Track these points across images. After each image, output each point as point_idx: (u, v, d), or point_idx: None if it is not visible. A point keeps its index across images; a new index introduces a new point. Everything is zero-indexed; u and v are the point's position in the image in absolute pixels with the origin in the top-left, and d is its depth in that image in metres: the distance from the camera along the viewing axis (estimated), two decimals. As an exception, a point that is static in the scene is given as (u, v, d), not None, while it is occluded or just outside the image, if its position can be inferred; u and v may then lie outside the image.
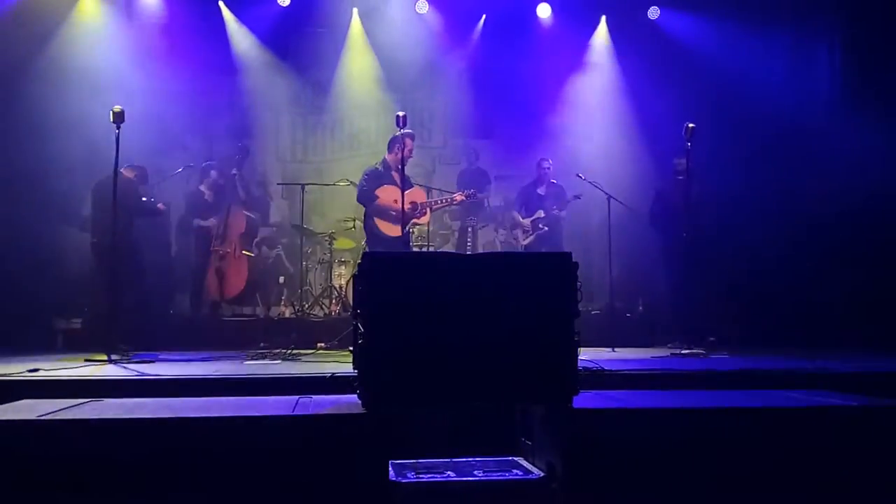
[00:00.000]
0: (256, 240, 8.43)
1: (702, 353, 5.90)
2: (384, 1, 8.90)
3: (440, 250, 8.25)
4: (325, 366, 5.00)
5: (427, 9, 8.96)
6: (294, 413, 3.24)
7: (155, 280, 7.72)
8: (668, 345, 6.53)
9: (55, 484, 2.96)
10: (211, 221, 7.80)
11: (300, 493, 3.06)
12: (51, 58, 7.75)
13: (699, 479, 3.22)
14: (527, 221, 8.06)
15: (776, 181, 8.06)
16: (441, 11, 9.04)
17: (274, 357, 5.83)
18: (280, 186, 9.26)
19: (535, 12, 9.13)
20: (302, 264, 7.86)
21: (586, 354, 4.83)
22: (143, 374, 4.48)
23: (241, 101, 9.07)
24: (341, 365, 4.72)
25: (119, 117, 5.51)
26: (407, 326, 3.26)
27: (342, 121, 9.45)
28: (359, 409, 3.24)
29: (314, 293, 8.03)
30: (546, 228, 7.95)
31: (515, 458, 3.66)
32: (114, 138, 5.54)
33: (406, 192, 6.18)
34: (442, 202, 7.01)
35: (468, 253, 7.87)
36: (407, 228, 6.53)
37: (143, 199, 6.81)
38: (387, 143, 6.75)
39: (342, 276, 7.98)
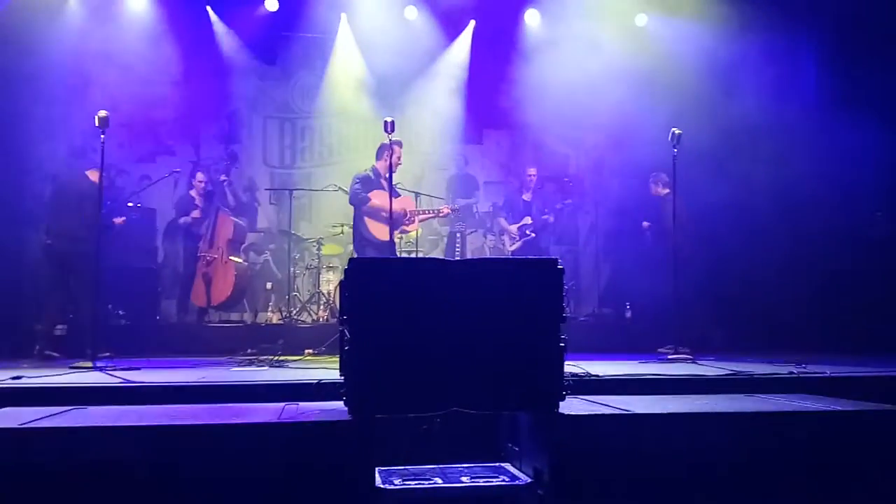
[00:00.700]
0: (244, 245, 8.39)
1: (688, 358, 5.92)
2: (373, 6, 8.91)
3: (428, 256, 8.25)
4: (312, 372, 4.98)
5: (416, 15, 8.98)
6: (281, 420, 3.23)
7: (141, 286, 7.69)
8: (657, 350, 6.56)
9: (38, 493, 2.93)
10: (195, 213, 7.74)
11: (287, 501, 3.05)
12: (36, 62, 7.69)
13: (685, 484, 3.23)
14: (514, 227, 8.08)
15: (762, 186, 8.11)
16: (430, 17, 9.06)
17: (261, 363, 5.80)
18: (268, 192, 9.25)
19: (523, 18, 9.17)
20: (290, 270, 7.84)
21: (573, 360, 4.85)
22: (129, 382, 4.44)
23: (228, 106, 9.06)
24: (329, 371, 4.70)
25: (104, 122, 5.48)
26: (394, 332, 3.26)
27: (330, 126, 9.44)
28: (346, 416, 3.23)
29: (302, 299, 8.01)
30: (533, 234, 7.98)
31: (502, 464, 3.66)
32: (98, 144, 5.51)
33: (395, 199, 6.20)
34: (429, 213, 7.04)
35: (457, 259, 7.88)
36: (394, 235, 6.54)
37: (130, 203, 6.78)
38: (375, 148, 6.76)
39: (330, 282, 7.96)
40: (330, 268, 8.08)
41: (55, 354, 5.96)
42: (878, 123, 7.81)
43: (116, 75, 8.00)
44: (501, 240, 8.31)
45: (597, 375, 4.52)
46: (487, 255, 8.57)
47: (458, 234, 8.57)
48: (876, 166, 8.03)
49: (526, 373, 3.30)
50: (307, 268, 8.22)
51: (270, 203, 9.35)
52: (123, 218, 6.60)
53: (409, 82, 9.15)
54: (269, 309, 8.22)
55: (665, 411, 3.46)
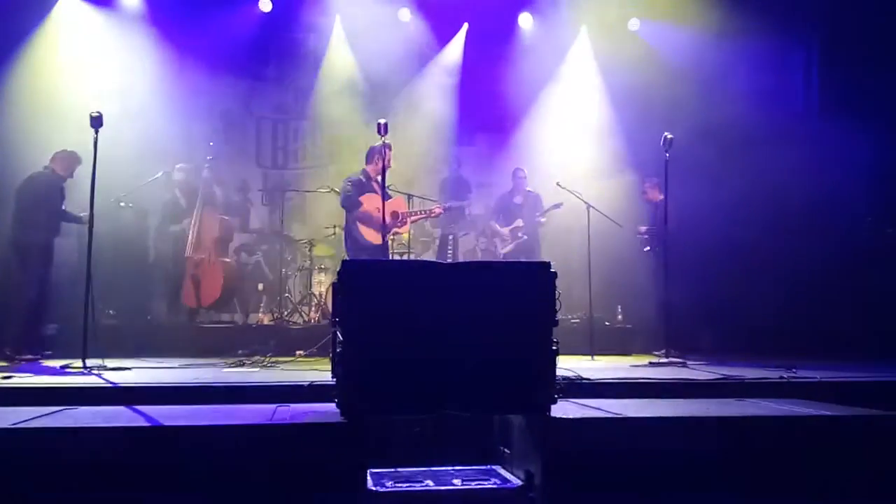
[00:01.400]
0: (235, 245, 8.35)
1: (680, 362, 5.94)
2: (367, 8, 8.91)
3: (421, 258, 8.25)
4: (303, 374, 4.98)
5: (410, 17, 8.99)
6: (272, 422, 3.23)
7: (132, 287, 7.65)
8: (651, 353, 6.58)
9: (29, 493, 2.91)
10: (185, 222, 7.71)
11: (278, 502, 3.05)
12: (27, 62, 7.67)
13: (675, 487, 3.24)
14: (505, 230, 8.09)
15: (753, 190, 8.15)
16: (424, 19, 9.08)
17: (252, 365, 5.79)
18: (260, 193, 9.23)
19: (516, 21, 9.20)
20: (281, 271, 7.82)
21: (565, 363, 4.87)
22: (119, 382, 4.43)
23: (221, 106, 9.02)
24: (320, 373, 4.70)
25: (97, 122, 5.45)
26: (386, 335, 3.26)
27: (323, 128, 9.43)
28: (337, 418, 3.23)
29: (293, 300, 7.99)
30: (525, 237, 7.99)
31: (494, 467, 3.67)
32: (91, 142, 5.49)
33: (387, 202, 6.19)
34: (422, 213, 7.03)
35: (449, 261, 7.89)
36: (387, 238, 6.54)
37: (121, 203, 6.76)
38: (367, 150, 6.75)
39: (322, 284, 7.95)
40: (322, 269, 8.06)
41: (35, 356, 5.94)
42: (870, 127, 7.88)
43: (108, 74, 7.99)
44: (493, 242, 8.32)
45: (588, 379, 4.53)
46: (479, 258, 8.57)
47: (451, 237, 8.57)
48: (867, 170, 8.08)
49: (518, 376, 3.31)
50: (299, 269, 8.20)
51: (263, 204, 9.33)
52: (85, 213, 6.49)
53: (403, 84, 9.15)
54: (261, 310, 8.20)
55: (656, 415, 3.48)
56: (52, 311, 6.59)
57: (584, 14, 9.17)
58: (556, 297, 3.37)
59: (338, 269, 3.40)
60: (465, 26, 9.31)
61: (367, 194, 6.56)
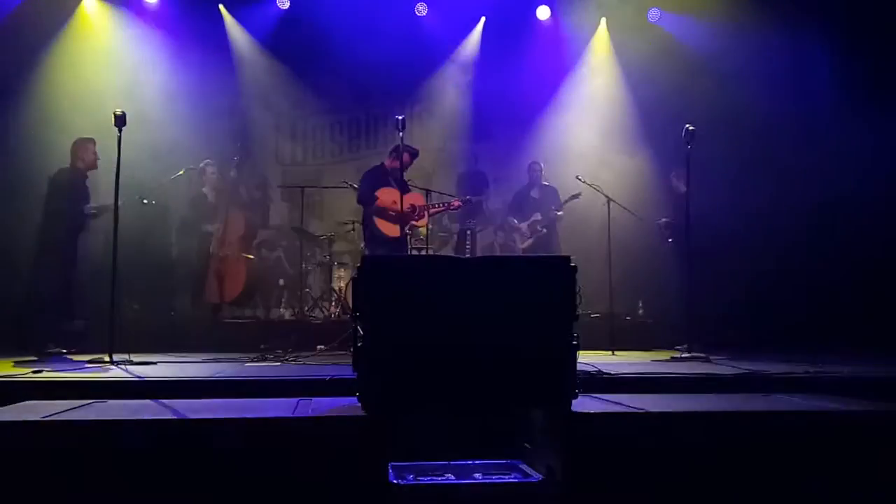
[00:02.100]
0: (256, 242, 8.43)
1: (702, 357, 5.90)
2: (383, 3, 8.92)
3: (439, 253, 8.26)
4: (324, 368, 5.02)
5: (426, 11, 8.98)
6: (294, 415, 3.26)
7: (156, 282, 7.75)
8: (672, 348, 6.54)
9: (60, 485, 2.97)
10: (210, 224, 7.82)
11: (300, 495, 3.08)
12: (51, 60, 7.77)
13: (698, 483, 3.23)
14: (524, 225, 8.08)
15: (777, 183, 8.07)
16: (440, 14, 9.07)
17: (274, 359, 5.85)
18: (280, 189, 9.29)
19: (534, 14, 9.16)
20: (302, 266, 7.87)
21: (586, 358, 4.86)
22: (145, 376, 4.49)
23: (241, 104, 9.09)
24: (341, 367, 4.73)
25: (121, 120, 5.51)
26: (406, 329, 3.28)
27: (341, 123, 9.46)
28: (358, 412, 3.25)
29: (314, 295, 8.05)
30: (544, 230, 7.97)
31: (515, 462, 3.67)
32: (115, 141, 5.56)
33: (405, 195, 6.21)
34: (440, 207, 7.04)
35: (467, 256, 7.89)
36: (405, 231, 6.56)
37: (144, 200, 6.84)
38: (386, 146, 6.79)
39: (341, 279, 8.00)
40: (341, 264, 8.11)
41: (63, 350, 6.03)
42: (894, 120, 7.76)
43: (130, 72, 8.08)
44: (512, 237, 8.31)
45: (609, 374, 4.52)
46: (497, 253, 8.58)
47: (469, 231, 8.58)
48: (892, 163, 7.96)
49: (539, 371, 3.30)
50: (319, 264, 8.25)
51: (282, 200, 9.39)
52: (99, 206, 6.48)
53: (420, 79, 9.15)
54: (282, 305, 8.26)
55: (679, 410, 3.46)
56: (78, 307, 6.70)
57: (603, 5, 9.12)
58: (577, 291, 3.36)
59: (357, 265, 3.42)
60: (483, 20, 9.28)
61: (382, 188, 6.58)
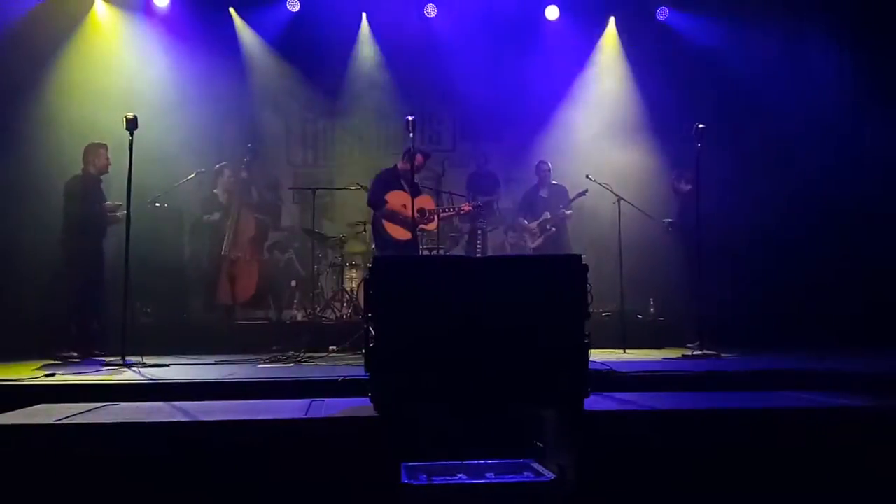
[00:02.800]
0: (268, 243, 8.47)
1: (713, 355, 5.88)
2: (393, 5, 8.93)
3: (450, 253, 8.27)
4: (337, 369, 5.04)
5: (435, 12, 8.99)
6: (307, 416, 3.27)
7: (168, 285, 7.79)
8: (684, 346, 6.52)
9: (73, 488, 3.00)
10: (216, 216, 7.84)
11: (313, 495, 3.09)
12: (63, 64, 7.83)
13: (711, 481, 3.22)
14: (534, 225, 8.07)
15: (787, 180, 8.03)
16: (450, 14, 9.07)
17: (286, 360, 5.88)
18: (291, 191, 9.33)
19: (543, 14, 9.15)
20: (313, 268, 7.90)
21: (597, 357, 4.85)
22: (158, 379, 4.52)
23: (251, 106, 9.13)
24: (353, 368, 4.75)
25: (132, 124, 5.57)
26: (418, 330, 3.28)
27: (352, 125, 9.49)
28: (371, 412, 3.26)
29: (326, 297, 8.07)
30: (554, 229, 7.97)
31: (527, 461, 3.68)
32: (126, 144, 5.60)
33: (415, 198, 6.23)
34: (450, 211, 7.05)
35: (478, 256, 7.89)
36: (415, 234, 6.58)
37: (156, 203, 6.89)
38: (397, 147, 6.80)
39: (353, 280, 8.01)
40: (353, 265, 8.12)
41: (75, 355, 6.08)
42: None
43: (141, 75, 8.13)
44: (523, 237, 8.30)
45: (621, 372, 4.52)
46: (508, 252, 8.57)
47: (480, 232, 8.57)
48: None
49: (550, 370, 3.31)
50: (330, 266, 8.27)
51: (294, 202, 9.42)
52: (120, 203, 6.44)
53: (430, 80, 9.16)
54: (294, 306, 8.29)
55: (690, 408, 3.46)
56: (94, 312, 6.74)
57: (612, 4, 9.10)
58: (588, 289, 3.36)
59: (369, 265, 3.43)
60: (492, 20, 9.27)
61: (393, 191, 6.59)
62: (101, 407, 3.58)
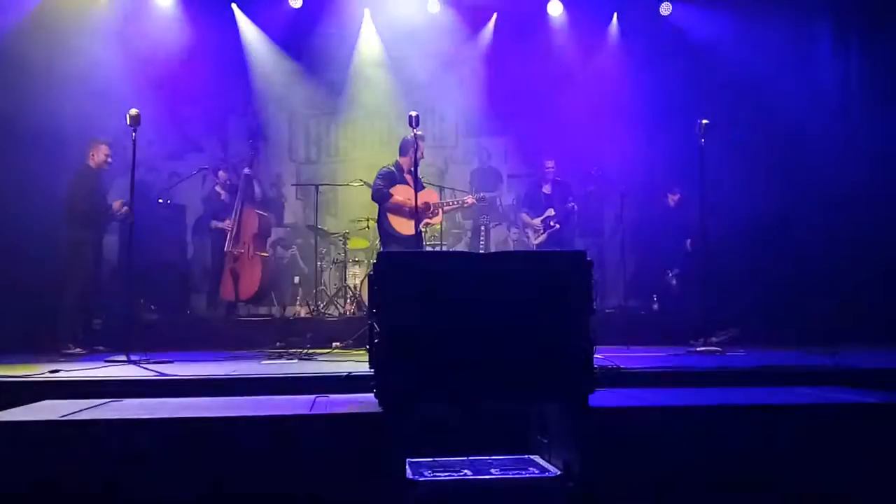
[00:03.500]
0: (271, 240, 8.48)
1: (718, 351, 5.87)
2: (396, 0, 8.92)
3: (453, 249, 8.27)
4: (340, 365, 5.03)
5: (438, 8, 8.98)
6: (311, 412, 3.27)
7: (172, 281, 7.81)
8: (688, 342, 6.51)
9: (78, 483, 3.00)
10: (227, 223, 7.87)
11: (317, 491, 3.09)
12: (66, 61, 7.82)
13: (716, 477, 3.21)
14: (537, 221, 8.06)
15: (793, 175, 8.01)
16: (452, 10, 9.05)
17: (290, 357, 5.88)
18: (294, 187, 9.33)
19: (546, 10, 9.13)
20: (316, 264, 7.90)
21: (601, 353, 4.84)
22: (162, 375, 4.52)
23: (254, 103, 9.13)
24: (357, 364, 4.75)
25: (135, 120, 5.56)
26: (423, 325, 3.27)
27: (355, 121, 9.48)
28: (375, 408, 3.26)
29: (329, 293, 8.07)
30: (558, 226, 7.95)
31: (531, 457, 3.67)
32: (130, 142, 5.60)
33: (419, 193, 6.22)
34: (453, 204, 7.04)
35: (481, 252, 7.89)
36: (420, 228, 6.57)
37: (160, 199, 6.89)
38: (399, 143, 6.78)
39: (356, 276, 8.02)
40: (356, 262, 8.13)
41: (82, 350, 6.08)
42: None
43: (144, 72, 8.13)
44: (526, 233, 8.29)
45: (625, 368, 4.51)
46: (511, 249, 8.56)
47: (483, 228, 8.56)
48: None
49: (555, 365, 3.29)
50: (333, 262, 8.28)
51: (297, 198, 9.43)
52: (121, 201, 6.46)
53: (433, 76, 9.14)
54: (297, 303, 8.30)
55: (695, 404, 3.45)
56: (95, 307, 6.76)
57: (615, 0, 9.07)
58: (593, 285, 3.35)
59: (373, 261, 3.42)
60: (495, 16, 9.26)
61: (397, 186, 6.59)
62: (105, 403, 3.57)
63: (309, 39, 9.03)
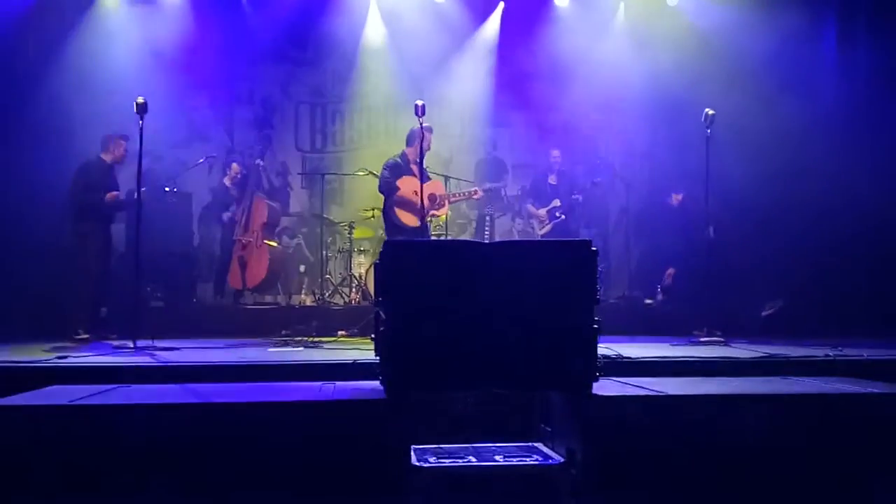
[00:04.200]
0: (278, 229, 8.51)
1: (721, 341, 5.88)
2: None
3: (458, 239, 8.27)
4: (346, 353, 5.06)
5: (445, -4, 8.96)
6: (318, 398, 3.30)
7: (179, 269, 7.84)
8: (691, 332, 6.51)
9: (86, 468, 3.04)
10: (232, 210, 7.89)
11: (323, 477, 3.12)
12: (73, 51, 7.84)
13: (717, 465, 3.23)
14: (542, 212, 8.06)
15: (799, 167, 7.97)
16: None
17: (296, 344, 5.91)
18: (300, 176, 9.34)
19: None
20: (322, 253, 7.92)
21: (605, 342, 4.85)
22: (169, 361, 4.56)
23: (261, 92, 9.13)
24: (362, 352, 4.77)
25: (142, 109, 5.57)
26: (428, 313, 3.30)
27: (361, 110, 9.48)
28: (381, 395, 3.29)
29: (334, 282, 8.10)
30: (563, 217, 7.95)
31: (535, 444, 3.70)
32: (137, 130, 5.62)
33: (425, 184, 6.23)
34: (460, 195, 7.04)
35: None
36: (425, 220, 6.58)
37: (167, 188, 6.92)
38: (405, 132, 6.78)
39: (362, 265, 8.04)
40: (361, 251, 8.15)
41: (90, 337, 6.12)
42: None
43: (150, 62, 8.14)
44: (531, 224, 8.29)
45: (629, 357, 4.53)
46: (516, 239, 8.56)
47: (488, 218, 8.57)
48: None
49: (559, 354, 3.32)
50: (339, 251, 8.29)
51: (302, 187, 9.43)
52: (115, 193, 6.48)
53: (439, 65, 9.13)
54: (303, 291, 8.33)
55: (698, 393, 3.46)
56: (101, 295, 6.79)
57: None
58: (598, 275, 3.37)
59: (379, 250, 3.45)
60: (501, 5, 9.24)
61: (404, 177, 6.59)
62: (112, 389, 3.61)
63: (315, 28, 9.02)
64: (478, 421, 3.82)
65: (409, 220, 6.55)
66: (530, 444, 3.70)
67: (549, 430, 3.66)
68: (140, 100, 5.58)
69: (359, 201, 8.42)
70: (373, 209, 7.80)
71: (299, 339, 6.13)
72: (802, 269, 7.72)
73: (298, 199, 9.44)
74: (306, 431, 3.14)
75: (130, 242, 5.74)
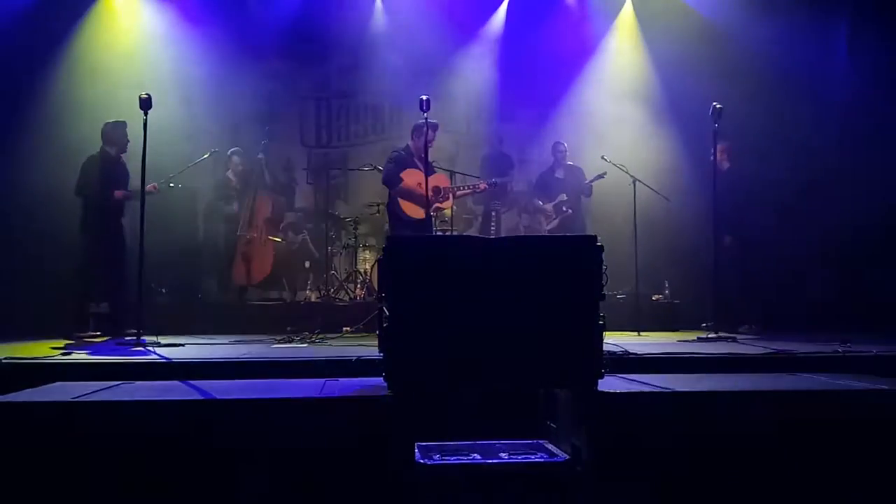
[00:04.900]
0: (283, 224, 8.50)
1: (729, 337, 5.84)
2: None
3: (464, 234, 8.24)
4: (350, 349, 5.04)
5: (450, -8, 8.92)
6: (321, 395, 3.28)
7: (183, 265, 7.84)
8: (699, 328, 6.48)
9: (88, 465, 3.02)
10: (234, 206, 7.88)
11: (327, 474, 3.10)
12: (75, 47, 7.84)
13: (724, 462, 3.20)
14: (549, 206, 8.02)
15: (808, 161, 7.92)
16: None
17: (301, 341, 5.90)
18: (305, 171, 9.32)
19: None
20: (327, 249, 7.91)
21: (611, 338, 4.83)
22: (173, 358, 4.55)
23: (265, 86, 9.12)
24: (367, 348, 4.76)
25: (146, 104, 5.55)
26: (433, 309, 3.27)
27: (366, 105, 9.46)
28: (385, 392, 3.27)
29: (339, 278, 8.09)
30: (570, 211, 7.91)
31: (541, 441, 3.68)
32: (141, 125, 5.60)
33: (429, 177, 6.20)
34: (465, 189, 7.01)
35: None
36: (430, 213, 6.56)
37: (171, 183, 6.91)
38: (410, 127, 6.76)
39: (367, 261, 8.03)
40: (366, 247, 8.14)
41: (96, 333, 6.12)
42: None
43: (155, 56, 8.13)
44: (537, 219, 8.26)
45: (635, 354, 4.49)
46: (522, 234, 8.52)
47: (493, 213, 8.54)
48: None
49: (565, 350, 3.29)
50: (344, 247, 8.29)
51: (307, 183, 9.42)
52: (122, 192, 6.51)
53: (444, 60, 9.09)
54: (308, 287, 8.32)
55: (705, 390, 3.43)
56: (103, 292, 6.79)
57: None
58: (603, 270, 3.34)
59: (383, 246, 3.42)
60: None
61: (407, 170, 6.57)
62: (116, 385, 3.60)
63: (320, 22, 8.99)
64: (483, 418, 3.80)
65: (413, 211, 6.52)
66: (536, 441, 3.68)
67: (555, 426, 3.63)
68: (143, 95, 5.56)
69: (364, 197, 8.41)
70: (378, 205, 7.79)
71: (304, 335, 6.12)
72: (812, 264, 7.68)
73: (303, 195, 9.43)
74: (310, 428, 3.12)
75: (135, 238, 5.72)
